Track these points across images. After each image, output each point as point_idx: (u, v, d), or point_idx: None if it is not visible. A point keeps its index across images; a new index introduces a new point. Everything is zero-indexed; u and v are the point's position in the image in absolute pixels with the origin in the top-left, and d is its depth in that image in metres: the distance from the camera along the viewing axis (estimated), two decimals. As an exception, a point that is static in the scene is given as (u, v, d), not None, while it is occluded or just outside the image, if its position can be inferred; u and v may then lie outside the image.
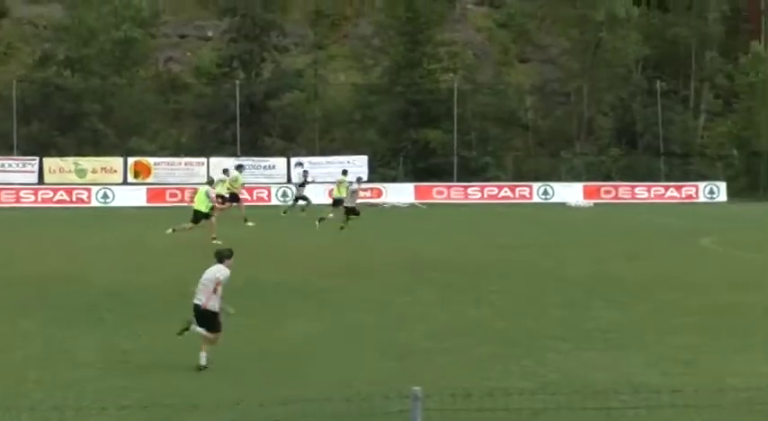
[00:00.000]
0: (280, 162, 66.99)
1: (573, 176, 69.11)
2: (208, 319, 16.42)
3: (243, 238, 33.53)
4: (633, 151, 72.90)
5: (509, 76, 76.45)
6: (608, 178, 68.95)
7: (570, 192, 65.51)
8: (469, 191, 66.39)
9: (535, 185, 66.56)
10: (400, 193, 65.05)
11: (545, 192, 66.08)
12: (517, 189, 66.57)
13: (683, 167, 71.12)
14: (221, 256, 16.90)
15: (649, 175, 69.48)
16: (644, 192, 66.78)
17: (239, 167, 46.39)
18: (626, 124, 74.45)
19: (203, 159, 65.73)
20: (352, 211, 40.60)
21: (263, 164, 66.74)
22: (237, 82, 69.27)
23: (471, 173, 69.14)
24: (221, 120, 70.74)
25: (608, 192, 66.32)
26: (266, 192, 64.38)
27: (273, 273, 27.14)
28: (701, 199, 65.36)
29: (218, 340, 16.49)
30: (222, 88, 70.86)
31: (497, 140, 73.16)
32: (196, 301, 16.55)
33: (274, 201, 62.86)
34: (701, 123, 74.71)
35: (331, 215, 41.90)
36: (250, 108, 70.11)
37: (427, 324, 19.72)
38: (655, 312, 21.18)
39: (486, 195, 65.93)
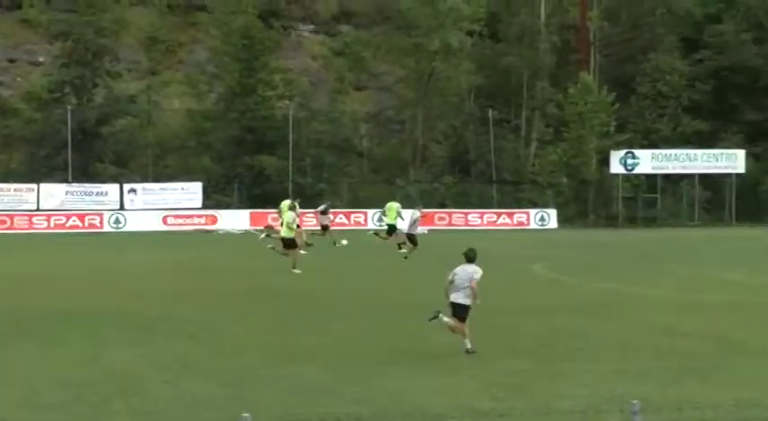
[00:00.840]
0: (112, 188, 66.00)
1: (407, 203, 69.64)
2: (463, 311, 19.42)
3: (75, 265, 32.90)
4: (466, 178, 73.91)
5: (344, 103, 76.82)
6: (442, 205, 69.70)
7: (404, 219, 65.94)
8: (304, 218, 66.29)
9: (370, 212, 66.88)
10: (235, 220, 64.68)
11: (380, 219, 66.38)
12: (352, 216, 66.82)
13: (515, 195, 72.40)
14: (470, 257, 19.74)
15: (482, 202, 70.51)
16: (477, 219, 67.75)
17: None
18: (459, 152, 75.46)
19: (33, 185, 64.50)
20: (411, 239, 40.21)
21: (95, 190, 65.67)
22: (69, 107, 68.08)
23: (307, 199, 69.14)
24: (52, 145, 69.42)
25: (442, 218, 67.05)
26: (98, 218, 63.34)
27: (91, 301, 26.71)
28: (533, 225, 66.58)
29: (466, 329, 19.36)
30: (53, 113, 69.57)
31: (333, 167, 73.37)
32: (452, 300, 19.48)
33: (107, 228, 61.89)
34: (532, 151, 76.12)
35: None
36: (82, 134, 68.95)
37: (262, 351, 19.58)
38: (488, 337, 21.39)
39: (321, 222, 65.92)
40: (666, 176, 73.63)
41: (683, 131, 76.91)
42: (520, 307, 26.43)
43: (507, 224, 67.28)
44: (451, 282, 19.58)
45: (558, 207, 69.35)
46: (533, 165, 74.89)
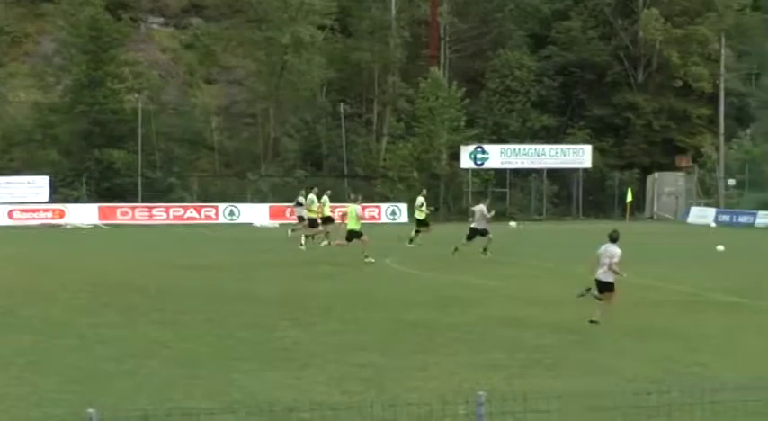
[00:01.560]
0: (-44, 182, 64.39)
1: (259, 197, 69.42)
2: (607, 288, 22.26)
3: None
4: (318, 173, 73.89)
5: (195, 96, 76.16)
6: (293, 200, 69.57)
7: (256, 213, 65.77)
8: (154, 212, 65.65)
9: (221, 206, 66.49)
10: (83, 214, 63.64)
11: (231, 213, 66.10)
12: (203, 210, 66.35)
13: (367, 189, 72.60)
14: (614, 238, 22.37)
15: (334, 197, 70.50)
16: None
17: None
18: (311, 146, 75.43)
19: None
20: (481, 233, 39.46)
21: (-64, 184, 64.02)
22: None
23: (156, 193, 68.39)
24: None
25: (294, 212, 66.83)
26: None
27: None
28: (384, 219, 66.86)
29: (613, 300, 22.35)
30: None
31: (183, 161, 72.70)
32: (598, 277, 22.30)
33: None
34: (383, 146, 76.45)
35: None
36: None
37: (109, 346, 19.28)
38: (339, 331, 21.43)
39: (171, 216, 65.41)
40: (515, 171, 74.65)
41: (531, 126, 78.10)
42: (371, 300, 26.51)
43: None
44: (597, 259, 22.50)
45: (410, 201, 69.78)
46: (385, 159, 75.21)
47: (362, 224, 38.51)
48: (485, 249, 38.86)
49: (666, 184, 76.89)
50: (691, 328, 22.55)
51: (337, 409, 12.70)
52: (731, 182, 73.49)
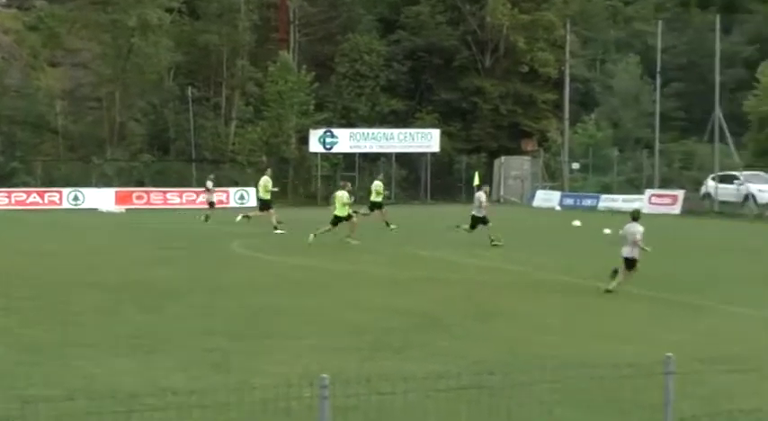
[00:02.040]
0: None
1: (104, 182, 68.38)
2: (631, 264, 25.02)
3: None
4: (165, 157, 73.10)
5: (39, 79, 74.57)
6: (140, 184, 68.74)
7: (102, 198, 64.79)
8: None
9: (65, 191, 65.32)
10: None
11: (75, 198, 65.00)
12: (46, 195, 65.10)
13: (216, 173, 72.12)
14: (636, 216, 25.41)
15: (181, 181, 69.92)
16: (176, 198, 67.16)
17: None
18: (158, 130, 74.58)
19: None
20: (482, 221, 38.81)
21: None
22: None
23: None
24: None
25: (140, 197, 66.19)
26: None
27: None
28: (233, 204, 66.48)
29: (632, 276, 24.99)
30: None
31: (26, 145, 71.22)
32: (624, 255, 25.01)
33: None
34: (232, 130, 75.96)
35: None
36: None
37: (-53, 335, 18.79)
38: (186, 316, 21.24)
39: (13, 201, 64.02)
40: (364, 155, 74.91)
41: (380, 111, 78.47)
42: (218, 285, 26.33)
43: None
44: (622, 237, 25.23)
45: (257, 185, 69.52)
46: (233, 143, 74.76)
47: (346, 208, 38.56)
48: (491, 240, 38.08)
49: (513, 168, 78.02)
50: (535, 309, 22.93)
51: (181, 394, 12.60)
52: (575, 166, 74.86)
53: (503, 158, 78.18)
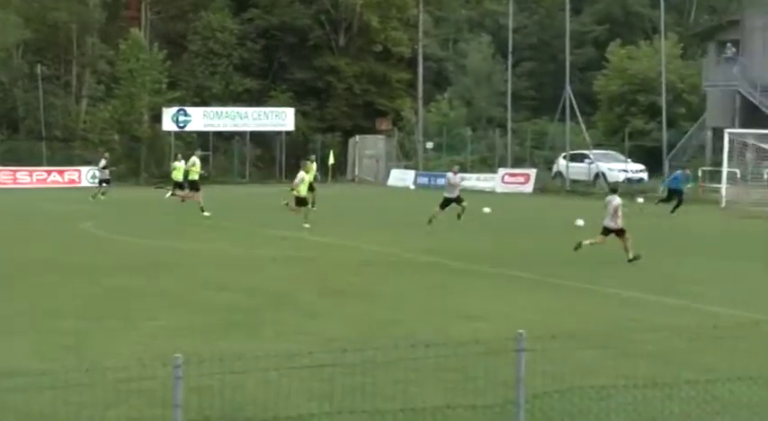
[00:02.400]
0: None
1: (-50, 162, 66.70)
2: (616, 232, 27.34)
3: None
4: (15, 136, 71.60)
5: None
6: (-11, 163, 67.27)
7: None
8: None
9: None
10: None
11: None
12: None
13: (66, 152, 70.91)
14: (614, 189, 29.65)
15: (31, 160, 68.57)
16: (26, 177, 65.89)
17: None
18: (7, 109, 72.95)
19: None
20: (456, 201, 37.36)
21: None
22: None
23: None
24: None
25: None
26: None
27: None
28: (84, 183, 65.40)
29: (629, 240, 27.26)
30: None
31: None
32: (605, 224, 27.38)
33: None
34: (83, 108, 74.65)
35: None
36: None
37: None
38: (37, 297, 20.86)
39: None
40: (218, 134, 74.37)
41: (234, 89, 77.93)
42: (69, 266, 25.91)
43: (58, 182, 65.87)
44: (605, 208, 27.86)
45: (109, 164, 68.46)
46: (85, 122, 73.47)
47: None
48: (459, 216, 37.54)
49: (367, 147, 78.24)
50: (389, 288, 23.05)
51: (32, 376, 12.38)
52: (429, 145, 75.40)
53: (357, 137, 78.34)
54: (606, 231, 27.58)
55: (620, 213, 27.31)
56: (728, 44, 63.85)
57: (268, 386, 12.39)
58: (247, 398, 12.20)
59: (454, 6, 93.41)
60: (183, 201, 44.06)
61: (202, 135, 73.35)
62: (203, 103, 75.57)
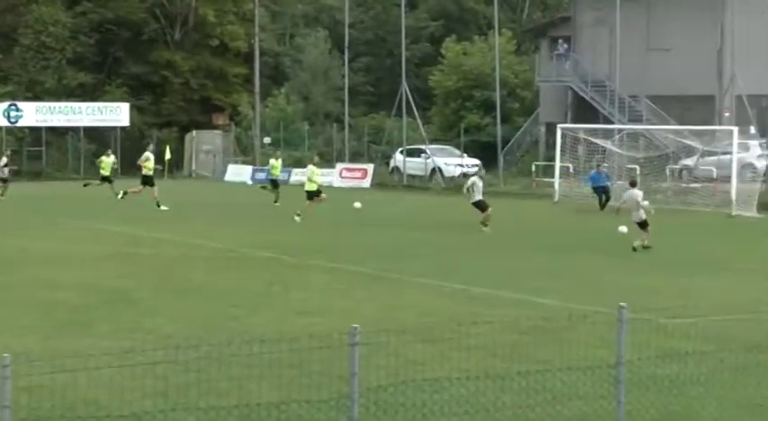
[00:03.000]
0: None
1: None
2: (643, 224, 29.40)
3: None
4: None
5: None
6: None
7: None
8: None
9: None
10: None
11: None
12: None
13: None
14: (633, 183, 31.14)
15: None
16: None
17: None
18: None
19: None
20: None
21: None
22: None
23: None
24: None
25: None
26: None
27: None
28: None
29: (645, 234, 29.26)
30: None
31: None
32: (634, 220, 29.63)
33: None
34: None
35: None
36: None
37: None
38: None
39: None
40: (52, 129, 72.93)
41: (67, 84, 76.49)
42: None
43: None
44: (624, 202, 30.44)
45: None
46: None
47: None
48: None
49: (204, 143, 77.63)
50: (227, 284, 22.95)
51: None
52: (267, 140, 75.12)
53: (194, 133, 77.62)
54: (643, 225, 29.54)
55: (643, 204, 29.60)
56: (560, 40, 65.06)
57: (101, 384, 12.22)
58: (80, 396, 12.01)
59: (290, 1, 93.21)
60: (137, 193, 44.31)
61: (35, 130, 71.87)
62: (36, 97, 74.01)
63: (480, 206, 34.50)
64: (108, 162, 48.12)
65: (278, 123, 74.67)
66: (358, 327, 9.94)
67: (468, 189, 34.33)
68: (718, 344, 15.48)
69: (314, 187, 38.74)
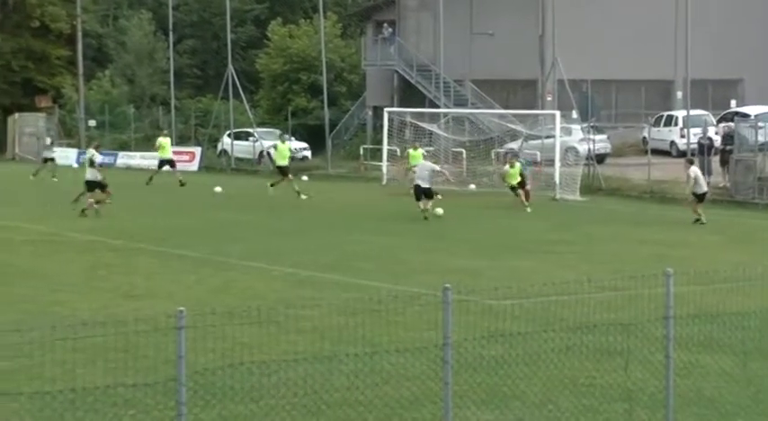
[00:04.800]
0: None
1: None
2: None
3: None
4: None
5: None
6: None
7: None
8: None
9: None
10: None
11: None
12: None
13: None
14: (690, 160, 33.90)
15: None
16: None
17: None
18: None
19: None
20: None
21: None
22: None
23: None
24: None
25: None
26: None
27: None
28: None
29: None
30: None
31: None
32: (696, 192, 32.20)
33: None
34: None
35: None
36: None
37: None
38: None
39: None
40: None
41: None
42: None
43: None
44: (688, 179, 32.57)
45: None
46: None
47: None
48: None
49: (28, 125, 75.84)
50: (51, 268, 22.58)
51: None
52: (92, 123, 73.80)
53: (17, 115, 75.80)
54: (701, 198, 32.37)
55: (701, 181, 32.54)
56: (385, 24, 65.40)
57: None
58: None
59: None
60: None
61: None
62: None
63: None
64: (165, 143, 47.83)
65: (103, 106, 73.42)
66: (184, 310, 9.87)
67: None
68: (542, 325, 15.83)
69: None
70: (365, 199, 43.18)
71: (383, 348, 13.63)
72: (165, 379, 11.29)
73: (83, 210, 33.00)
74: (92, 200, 33.40)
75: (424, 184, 33.16)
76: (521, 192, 37.11)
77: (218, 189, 42.65)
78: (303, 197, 39.58)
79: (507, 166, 38.41)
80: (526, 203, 36.74)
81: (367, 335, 15.36)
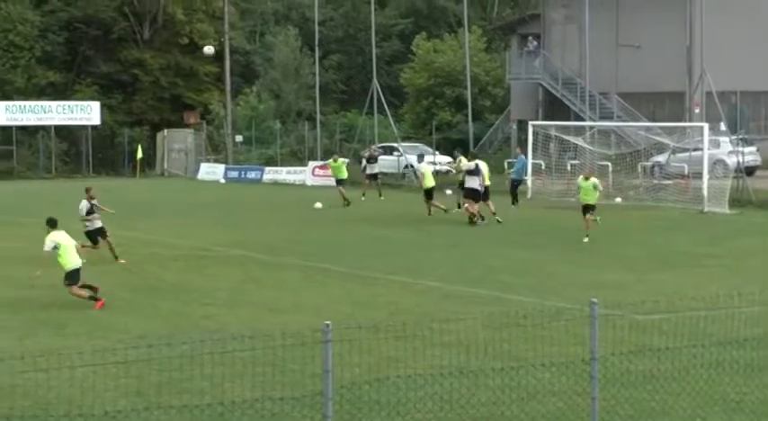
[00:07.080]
0: None
1: None
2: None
3: None
4: None
5: None
6: None
7: None
8: None
9: None
10: None
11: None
12: None
13: None
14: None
15: None
16: None
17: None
18: None
19: None
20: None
21: None
22: None
23: None
24: None
25: None
26: None
27: None
28: None
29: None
30: None
31: None
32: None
33: None
34: None
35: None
36: None
37: None
38: None
39: None
40: (22, 128, 72.53)
41: (37, 83, 76.13)
42: None
43: None
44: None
45: None
46: None
47: None
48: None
49: (176, 141, 77.36)
50: (200, 283, 22.89)
51: None
52: (239, 138, 74.92)
53: (166, 131, 77.35)
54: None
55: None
56: (530, 38, 65.13)
57: (75, 383, 12.17)
58: (53, 395, 11.97)
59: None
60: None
61: (5, 129, 71.48)
62: (6, 97, 73.56)
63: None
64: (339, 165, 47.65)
65: (250, 121, 74.55)
66: (330, 324, 9.92)
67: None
68: (690, 340, 15.54)
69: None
70: (511, 212, 42.96)
71: (528, 363, 13.53)
72: (312, 392, 11.37)
73: None
74: None
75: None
76: (589, 216, 31.23)
77: (318, 205, 42.87)
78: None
79: (581, 178, 32.56)
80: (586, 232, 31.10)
81: (512, 350, 15.26)
